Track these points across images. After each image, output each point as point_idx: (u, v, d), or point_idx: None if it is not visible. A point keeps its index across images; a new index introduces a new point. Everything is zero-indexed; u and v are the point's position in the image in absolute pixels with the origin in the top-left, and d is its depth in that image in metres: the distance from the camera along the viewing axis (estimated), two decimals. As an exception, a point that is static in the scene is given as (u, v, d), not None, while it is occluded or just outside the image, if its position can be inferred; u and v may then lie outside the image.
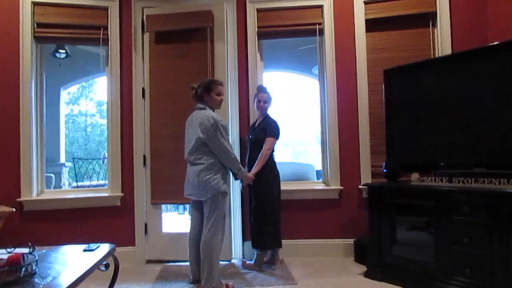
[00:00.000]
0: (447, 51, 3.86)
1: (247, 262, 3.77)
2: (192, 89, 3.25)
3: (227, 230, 3.78)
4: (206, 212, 3.08)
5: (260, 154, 3.59)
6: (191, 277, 3.30)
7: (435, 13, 3.94)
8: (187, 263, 3.40)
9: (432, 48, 3.98)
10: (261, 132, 3.66)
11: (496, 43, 2.96)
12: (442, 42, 3.90)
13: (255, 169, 3.56)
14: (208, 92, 3.17)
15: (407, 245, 3.20)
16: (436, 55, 3.92)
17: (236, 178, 3.32)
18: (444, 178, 3.04)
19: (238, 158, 3.90)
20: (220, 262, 3.30)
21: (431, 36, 3.99)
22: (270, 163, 3.65)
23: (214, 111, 3.20)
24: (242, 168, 3.24)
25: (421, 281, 3.03)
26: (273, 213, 3.60)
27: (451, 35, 3.89)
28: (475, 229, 2.70)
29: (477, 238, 2.68)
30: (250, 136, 3.79)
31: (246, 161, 3.78)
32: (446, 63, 3.29)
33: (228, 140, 3.13)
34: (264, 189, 3.60)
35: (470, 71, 3.05)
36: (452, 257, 2.83)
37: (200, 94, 3.19)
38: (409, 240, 3.20)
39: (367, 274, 3.42)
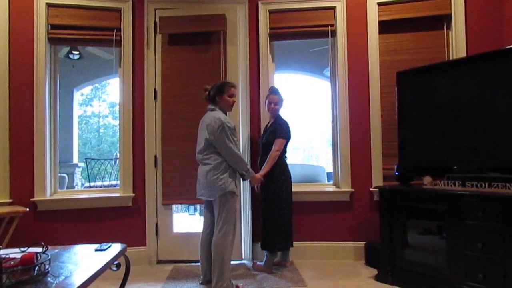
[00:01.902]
0: (462, 53, 3.82)
1: (258, 263, 3.76)
2: (205, 90, 3.27)
3: (238, 231, 3.78)
4: (216, 212, 3.10)
5: (269, 155, 3.58)
6: (202, 277, 3.31)
7: (450, 15, 3.90)
8: (198, 263, 3.41)
9: (446, 51, 3.93)
10: (271, 133, 3.65)
11: None
12: (457, 45, 3.86)
13: (263, 170, 3.56)
14: (220, 94, 3.19)
15: (419, 249, 3.16)
16: (451, 58, 3.88)
17: (244, 179, 3.32)
18: (457, 182, 3.00)
19: (249, 160, 3.93)
20: (231, 262, 3.30)
21: (445, 39, 3.95)
22: (282, 165, 3.64)
23: (226, 114, 3.23)
24: (250, 169, 3.24)
25: (433, 286, 3.00)
26: (282, 215, 3.57)
27: (466, 38, 3.85)
28: (489, 234, 2.66)
29: (491, 243, 2.65)
30: (262, 138, 3.78)
31: (258, 163, 3.78)
32: (460, 66, 3.25)
33: (235, 141, 3.12)
34: (273, 191, 3.59)
35: (485, 74, 3.01)
36: (464, 262, 2.79)
37: (213, 96, 3.22)
38: (421, 244, 3.16)
39: (378, 278, 3.40)
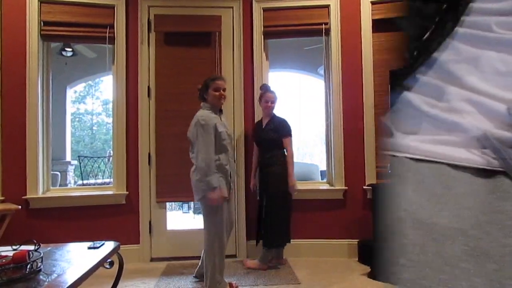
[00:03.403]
0: (454, 52, 3.83)
1: (252, 261, 3.76)
2: (198, 90, 3.23)
3: (233, 228, 3.78)
4: (203, 214, 3.02)
5: (287, 157, 3.61)
6: (197, 269, 3.32)
7: (443, 13, 3.91)
8: (191, 261, 3.41)
9: (439, 49, 3.95)
10: (273, 131, 3.64)
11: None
12: (449, 43, 3.87)
13: (291, 174, 3.59)
14: (206, 90, 3.07)
15: (411, 247, 3.18)
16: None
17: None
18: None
19: (243, 158, 3.92)
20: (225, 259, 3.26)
21: (438, 37, 3.96)
22: (283, 162, 3.65)
23: (218, 110, 3.11)
24: (211, 182, 2.81)
25: (426, 283, 3.01)
26: (285, 213, 3.60)
27: (459, 36, 3.86)
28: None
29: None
30: (260, 136, 3.77)
31: (257, 161, 3.80)
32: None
33: (210, 138, 2.88)
34: (277, 188, 3.59)
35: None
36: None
37: (201, 94, 3.13)
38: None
39: (371, 275, 3.42)
